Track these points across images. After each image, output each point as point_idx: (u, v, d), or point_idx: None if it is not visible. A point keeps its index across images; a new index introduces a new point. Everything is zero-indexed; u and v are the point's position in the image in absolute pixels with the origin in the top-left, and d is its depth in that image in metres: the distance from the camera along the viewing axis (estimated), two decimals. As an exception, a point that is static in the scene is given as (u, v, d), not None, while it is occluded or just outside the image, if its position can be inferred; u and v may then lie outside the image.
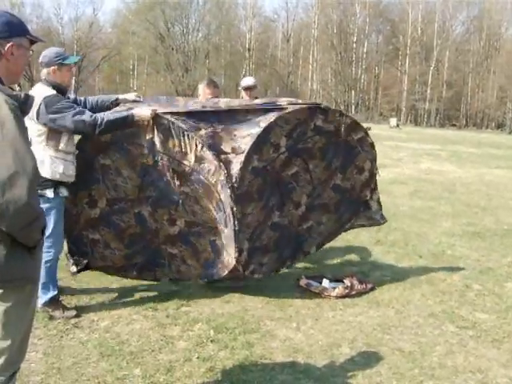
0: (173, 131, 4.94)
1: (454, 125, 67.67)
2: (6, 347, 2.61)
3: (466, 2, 68.07)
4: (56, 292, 4.92)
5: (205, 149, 4.89)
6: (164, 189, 5.16)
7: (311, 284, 5.66)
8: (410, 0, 67.24)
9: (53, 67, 4.69)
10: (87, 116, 4.57)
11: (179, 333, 4.63)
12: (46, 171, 4.52)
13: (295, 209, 5.60)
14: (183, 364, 4.08)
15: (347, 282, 5.62)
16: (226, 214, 4.91)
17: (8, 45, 2.53)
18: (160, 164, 5.08)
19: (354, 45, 69.58)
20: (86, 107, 5.00)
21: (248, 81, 6.81)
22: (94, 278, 5.76)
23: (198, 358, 4.18)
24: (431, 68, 66.70)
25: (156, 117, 4.92)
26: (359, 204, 5.99)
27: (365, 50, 70.23)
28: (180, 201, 5.14)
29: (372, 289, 5.75)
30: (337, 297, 5.50)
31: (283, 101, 5.44)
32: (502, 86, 65.97)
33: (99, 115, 4.64)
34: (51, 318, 4.80)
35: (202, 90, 6.06)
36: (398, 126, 47.99)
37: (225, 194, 4.87)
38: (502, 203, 11.67)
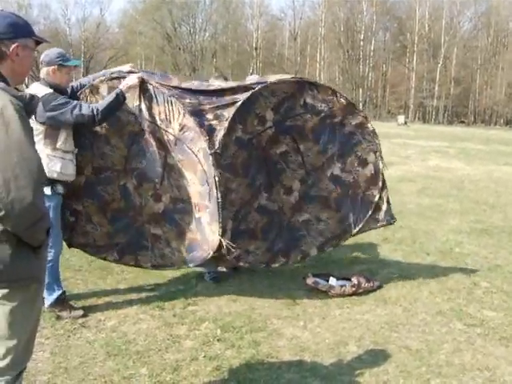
0: (157, 98, 4.90)
1: (462, 122, 67.42)
2: (12, 347, 2.61)
3: (474, -1, 67.76)
4: (61, 291, 4.94)
5: (187, 115, 4.77)
6: (150, 160, 5.07)
7: (318, 282, 5.63)
8: (417, -3, 67.06)
9: (53, 67, 4.71)
10: (85, 109, 4.60)
11: (186, 332, 4.63)
12: None
13: (286, 194, 5.40)
14: (190, 363, 4.08)
15: (354, 280, 5.60)
16: (209, 185, 4.76)
17: (13, 46, 2.54)
18: (147, 133, 5.02)
19: (362, 42, 69.43)
20: (82, 88, 5.08)
21: (253, 79, 6.80)
22: (100, 278, 5.79)
23: (204, 357, 4.18)
24: (439, 65, 66.45)
25: (142, 83, 4.91)
26: (367, 205, 5.63)
27: (372, 48, 70.04)
28: (165, 174, 5.03)
29: (379, 287, 5.72)
30: (344, 295, 5.48)
31: (273, 77, 5.34)
32: (511, 83, 65.66)
33: (94, 106, 4.69)
34: (58, 317, 4.82)
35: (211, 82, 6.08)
36: (405, 123, 47.83)
37: (207, 164, 4.74)
38: (510, 200, 11.59)
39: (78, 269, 5.98)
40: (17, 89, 2.62)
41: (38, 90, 4.63)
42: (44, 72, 4.75)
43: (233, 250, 4.84)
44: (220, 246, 4.77)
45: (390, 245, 7.59)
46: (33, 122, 4.45)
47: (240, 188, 5.05)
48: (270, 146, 5.24)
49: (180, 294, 5.45)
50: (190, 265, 5.22)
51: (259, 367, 4.05)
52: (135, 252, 5.26)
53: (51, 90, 4.65)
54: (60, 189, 4.76)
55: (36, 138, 4.46)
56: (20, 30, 2.59)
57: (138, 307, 5.11)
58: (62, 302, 4.92)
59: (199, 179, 4.86)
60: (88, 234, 5.28)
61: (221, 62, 71.84)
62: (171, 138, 4.92)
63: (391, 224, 5.99)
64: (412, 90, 67.46)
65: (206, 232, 4.92)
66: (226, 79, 6.36)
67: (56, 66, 4.71)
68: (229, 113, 4.91)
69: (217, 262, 5.16)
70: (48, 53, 4.79)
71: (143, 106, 4.95)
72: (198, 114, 4.85)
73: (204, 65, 69.73)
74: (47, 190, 4.60)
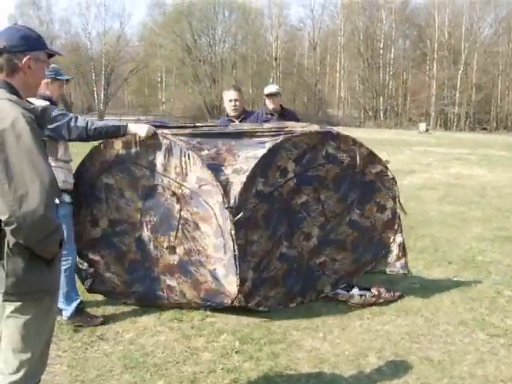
0: (174, 151, 4.92)
1: (484, 128, 66.65)
2: (26, 360, 2.60)
3: (494, 4, 67.02)
4: (79, 300, 4.94)
5: (205, 169, 4.80)
6: (164, 214, 5.06)
7: (338, 292, 5.56)
8: (436, 4, 66.63)
9: (46, 80, 4.75)
10: (80, 121, 4.60)
11: (204, 344, 4.59)
12: None
13: (306, 240, 5.38)
14: (207, 376, 4.04)
15: (374, 290, 5.52)
16: (224, 239, 4.75)
17: (25, 58, 2.55)
18: (161, 187, 5.04)
19: (381, 51, 69.20)
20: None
21: (271, 88, 6.80)
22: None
23: (222, 369, 4.13)
24: (460, 71, 65.80)
25: (155, 136, 4.95)
26: (382, 246, 5.67)
27: (392, 56, 69.75)
28: (180, 226, 4.99)
29: (400, 296, 5.64)
30: (364, 305, 5.40)
31: (294, 125, 5.38)
32: (533, 88, 64.92)
33: (90, 120, 4.73)
34: (76, 330, 4.81)
35: (224, 93, 6.30)
36: (427, 130, 47.55)
37: (223, 217, 4.74)
38: (534, 207, 11.41)
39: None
40: (28, 101, 2.62)
41: (35, 103, 4.66)
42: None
43: (254, 298, 5.05)
44: (237, 298, 4.85)
45: (412, 254, 7.43)
46: None
47: (261, 240, 5.06)
48: (292, 196, 5.24)
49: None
50: (207, 307, 5.21)
51: (278, 380, 3.99)
52: (152, 301, 5.30)
53: (47, 103, 4.68)
54: (66, 197, 4.80)
55: None
56: (32, 42, 2.61)
57: (156, 319, 5.09)
58: (82, 312, 4.94)
59: (214, 232, 4.83)
60: (106, 282, 5.40)
61: (241, 73, 72.06)
62: (187, 191, 4.93)
63: (401, 273, 5.82)
64: (433, 97, 66.92)
65: (220, 284, 4.87)
66: (239, 90, 6.36)
67: (49, 80, 4.81)
68: (248, 165, 4.92)
69: (231, 306, 5.05)
70: None
71: (158, 161, 4.99)
72: (215, 167, 4.90)
73: (224, 76, 70.01)
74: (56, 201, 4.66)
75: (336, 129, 5.67)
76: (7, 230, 2.36)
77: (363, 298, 5.44)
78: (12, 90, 2.51)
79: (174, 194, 4.99)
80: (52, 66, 4.84)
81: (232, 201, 4.75)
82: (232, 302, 4.85)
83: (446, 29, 66.98)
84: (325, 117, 67.23)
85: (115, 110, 72.09)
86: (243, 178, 4.84)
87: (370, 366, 4.22)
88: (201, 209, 4.87)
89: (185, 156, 4.88)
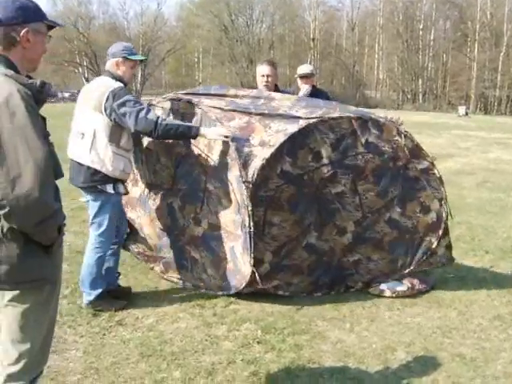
0: (204, 121, 4.84)
1: (526, 112, 64.99)
2: (25, 351, 2.47)
3: (539, -17, 64.97)
4: (104, 288, 4.79)
5: (230, 142, 4.60)
6: (193, 184, 5.01)
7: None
8: (478, -16, 64.90)
9: (117, 59, 4.63)
10: (151, 114, 4.39)
11: (225, 332, 4.42)
12: (107, 168, 4.50)
13: (339, 235, 5.06)
14: (226, 367, 3.88)
15: (407, 282, 5.23)
16: (241, 215, 4.57)
17: (23, 31, 2.37)
18: (192, 157, 4.98)
19: (421, 32, 67.78)
20: None
21: (305, 68, 6.53)
22: (142, 273, 5.66)
23: (242, 360, 3.96)
24: (501, 54, 64.01)
25: (192, 105, 4.98)
26: (422, 250, 5.29)
27: (432, 37, 68.33)
28: (205, 199, 4.93)
29: (433, 287, 5.38)
30: (396, 296, 5.16)
31: (329, 106, 5.15)
32: None
33: (161, 117, 4.48)
34: (95, 314, 4.69)
35: (257, 68, 6.06)
36: (466, 114, 46.44)
37: (240, 192, 4.56)
38: None
39: (120, 262, 5.82)
40: (29, 76, 2.44)
41: (107, 82, 4.56)
42: (109, 64, 4.69)
43: (272, 281, 4.85)
44: (252, 278, 4.63)
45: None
46: (103, 116, 4.45)
47: (285, 224, 4.79)
48: (325, 184, 4.91)
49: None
50: (225, 292, 4.99)
51: (299, 373, 3.80)
52: (177, 269, 5.29)
53: (120, 84, 4.54)
54: (121, 188, 4.70)
55: (103, 134, 4.47)
56: (30, 14, 2.42)
57: (177, 305, 4.94)
58: (103, 297, 4.78)
59: (234, 208, 4.69)
60: (139, 242, 5.52)
61: (278, 53, 71.44)
62: (211, 163, 4.82)
63: (445, 264, 5.58)
64: (473, 80, 65.27)
65: (238, 262, 4.75)
66: (273, 65, 6.09)
67: (120, 59, 4.63)
68: (276, 141, 4.66)
69: (248, 289, 4.87)
70: (115, 45, 4.76)
71: None
72: (240, 138, 4.69)
73: (261, 56, 69.35)
74: (110, 189, 4.57)
75: (373, 111, 5.36)
76: (0, 214, 2.20)
77: (395, 293, 5.16)
78: (9, 64, 2.34)
79: (201, 165, 4.91)
80: (125, 44, 4.75)
81: (250, 175, 4.51)
82: (248, 284, 4.67)
83: (489, 9, 65.09)
84: (363, 98, 66.46)
85: (152, 90, 72.39)
86: (267, 153, 4.58)
87: (397, 362, 4.00)
88: (222, 183, 4.75)
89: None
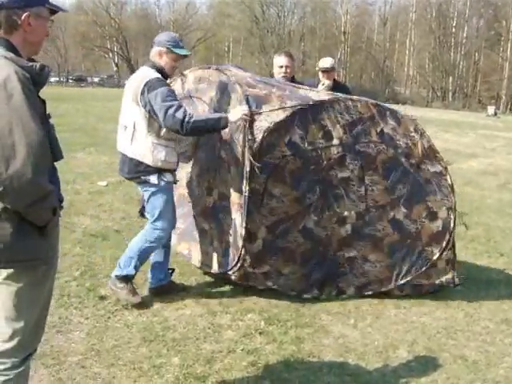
0: (227, 86, 4.75)
1: (558, 115, 63.92)
2: (19, 329, 2.49)
3: None
4: (134, 273, 4.64)
5: (244, 103, 4.46)
6: (208, 153, 4.93)
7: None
8: (514, -18, 63.75)
9: (160, 48, 4.50)
10: (179, 113, 4.20)
11: (228, 322, 4.43)
12: (148, 158, 4.44)
13: (338, 224, 4.79)
14: (226, 355, 3.89)
15: (418, 285, 5.15)
16: (243, 182, 4.40)
17: (24, 15, 2.38)
18: None
19: (454, 29, 66.99)
20: None
21: (326, 62, 6.44)
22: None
23: (242, 350, 3.97)
24: (535, 54, 63.10)
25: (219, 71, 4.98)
26: (422, 261, 4.97)
27: (464, 35, 67.51)
28: (218, 168, 4.79)
29: (442, 287, 5.31)
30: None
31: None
32: None
33: (189, 114, 4.26)
34: (102, 297, 4.72)
35: (275, 58, 5.96)
36: (495, 114, 45.79)
37: (240, 150, 4.42)
38: None
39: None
40: (33, 59, 2.46)
41: (145, 73, 4.48)
42: (152, 52, 4.58)
43: (262, 265, 4.64)
44: (242, 253, 4.51)
45: (462, 242, 7.07)
46: (140, 107, 4.38)
47: (285, 199, 4.58)
48: (332, 166, 4.67)
49: (230, 280, 5.22)
50: (221, 270, 4.83)
51: (298, 366, 3.79)
52: (188, 241, 5.19)
53: (158, 74, 4.43)
54: (169, 177, 4.58)
55: (142, 125, 4.41)
56: None
57: (184, 292, 4.94)
58: (127, 281, 4.61)
59: (239, 174, 4.50)
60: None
61: (308, 46, 71.24)
62: (226, 129, 4.58)
63: (452, 286, 5.14)
64: (505, 80, 64.36)
65: (237, 236, 4.59)
66: (291, 56, 6.04)
67: (164, 49, 4.49)
68: (291, 103, 4.55)
69: (239, 273, 4.69)
70: (162, 34, 4.67)
71: (215, 97, 4.86)
72: (255, 101, 4.53)
73: (291, 48, 69.20)
74: (154, 179, 4.49)
75: (402, 108, 5.23)
76: None
77: (404, 292, 5.10)
78: (9, 47, 2.35)
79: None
80: (173, 35, 4.64)
81: (256, 135, 4.37)
82: (237, 260, 4.52)
83: (524, 8, 64.05)
84: (392, 94, 66.01)
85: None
86: (277, 118, 4.43)
87: (398, 360, 3.97)
88: (233, 148, 4.57)
89: (232, 91, 4.64)
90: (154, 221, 4.58)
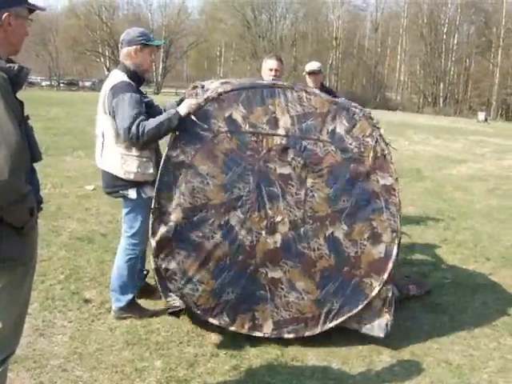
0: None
1: (548, 121, 64.27)
2: None
3: None
4: (135, 293, 4.53)
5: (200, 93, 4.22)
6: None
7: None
8: (505, -12, 64.19)
9: (135, 47, 4.22)
10: (135, 126, 3.96)
11: (213, 326, 4.39)
12: (118, 171, 4.17)
13: (268, 232, 4.07)
14: (209, 359, 3.88)
15: (404, 290, 5.11)
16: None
17: (4, 15, 2.38)
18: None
19: (445, 35, 67.27)
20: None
21: (313, 65, 6.46)
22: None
23: (225, 354, 3.96)
24: (526, 61, 63.42)
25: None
26: (358, 296, 4.14)
27: (455, 41, 67.77)
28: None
29: (428, 292, 5.32)
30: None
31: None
32: None
33: (142, 124, 3.98)
34: (86, 301, 4.70)
35: (264, 62, 5.72)
36: (486, 120, 45.98)
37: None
38: None
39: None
40: (11, 60, 2.45)
41: (113, 78, 4.22)
42: (124, 53, 4.28)
43: (164, 253, 4.05)
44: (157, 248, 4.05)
45: (449, 246, 7.12)
46: (108, 116, 4.16)
47: (211, 181, 4.01)
48: (272, 158, 4.07)
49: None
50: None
51: (281, 370, 3.78)
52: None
53: (126, 79, 4.18)
54: (149, 191, 4.21)
55: (110, 134, 4.15)
56: None
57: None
58: (133, 305, 4.50)
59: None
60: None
61: (300, 51, 71.33)
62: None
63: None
64: (495, 86, 64.74)
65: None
66: (280, 60, 6.00)
67: (139, 46, 4.22)
68: (241, 83, 4.25)
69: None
70: (129, 31, 4.34)
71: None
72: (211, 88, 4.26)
73: (283, 53, 69.32)
74: (132, 193, 4.22)
75: (394, 114, 4.73)
76: None
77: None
78: None
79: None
80: (141, 30, 4.38)
81: (199, 98, 4.10)
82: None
83: (514, 15, 64.44)
84: (383, 100, 66.23)
85: (173, 82, 72.62)
86: (221, 88, 4.10)
87: (382, 365, 3.97)
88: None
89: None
90: (132, 235, 4.37)
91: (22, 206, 2.31)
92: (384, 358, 4.06)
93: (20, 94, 2.45)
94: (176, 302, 4.14)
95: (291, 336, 4.13)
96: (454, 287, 5.55)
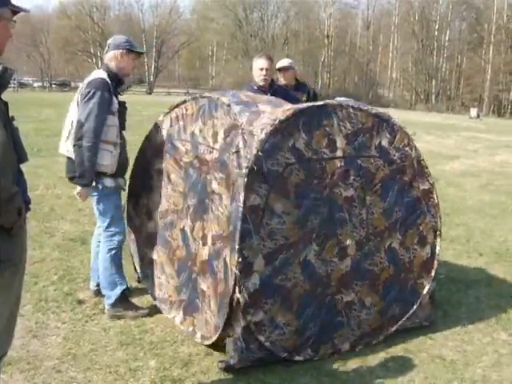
0: (207, 109, 4.16)
1: (540, 117, 64.51)
2: None
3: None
4: (124, 286, 4.58)
5: (230, 111, 3.90)
6: (200, 192, 4.12)
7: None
8: (496, -15, 64.39)
9: (121, 51, 4.51)
10: (87, 127, 4.20)
11: (206, 324, 4.40)
12: None
13: (339, 258, 3.96)
14: (203, 358, 3.87)
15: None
16: (236, 202, 3.61)
17: None
18: (200, 158, 4.16)
19: (436, 32, 67.53)
20: None
21: (282, 62, 6.48)
22: (130, 264, 5.63)
23: (219, 352, 3.94)
24: (517, 57, 63.63)
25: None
26: (414, 298, 4.37)
27: (447, 38, 68.07)
28: (209, 206, 3.98)
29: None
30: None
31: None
32: None
33: (92, 141, 4.19)
34: (80, 302, 4.69)
35: (254, 61, 5.73)
36: (478, 116, 46.11)
37: (236, 161, 3.69)
38: None
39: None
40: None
41: (95, 74, 4.46)
42: (110, 56, 4.54)
43: (254, 309, 3.66)
44: (235, 289, 3.59)
45: (442, 242, 7.01)
46: (78, 108, 4.35)
47: (287, 218, 3.73)
48: (335, 183, 3.91)
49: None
50: (217, 334, 3.78)
51: (274, 368, 3.77)
52: (192, 314, 4.14)
53: (105, 78, 4.38)
54: (108, 182, 4.42)
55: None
56: None
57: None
58: (126, 301, 4.57)
59: (230, 196, 3.80)
60: (163, 287, 4.57)
61: (292, 50, 71.38)
62: (216, 155, 3.99)
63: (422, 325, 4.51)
64: (487, 82, 64.94)
65: (228, 276, 3.69)
66: (270, 59, 6.01)
67: (124, 51, 4.52)
68: (292, 108, 3.93)
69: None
70: (116, 37, 4.68)
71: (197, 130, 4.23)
72: (244, 104, 4.04)
73: (275, 52, 69.39)
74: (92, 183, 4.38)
75: (386, 111, 4.69)
76: None
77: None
78: None
79: (206, 162, 4.08)
80: (126, 37, 4.67)
81: (256, 133, 3.67)
82: (229, 302, 3.60)
83: (505, 12, 64.60)
84: (375, 97, 66.34)
85: (166, 82, 72.59)
86: (281, 115, 3.76)
87: (376, 360, 3.97)
88: (224, 168, 3.86)
89: (216, 110, 4.06)
90: (108, 227, 4.51)
91: (10, 207, 2.30)
92: (378, 353, 4.06)
93: (12, 96, 2.45)
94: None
95: (360, 347, 4.12)
96: (448, 283, 5.56)
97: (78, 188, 4.38)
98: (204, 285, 3.98)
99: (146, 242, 4.75)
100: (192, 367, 3.74)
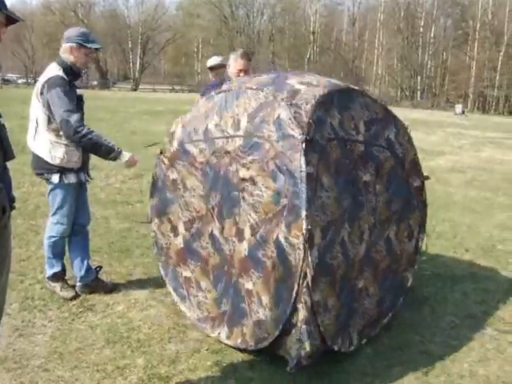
0: (224, 103, 4.04)
1: (524, 113, 65.01)
2: None
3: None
4: (59, 269, 4.81)
5: (258, 92, 3.79)
6: (224, 186, 3.89)
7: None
8: (481, -18, 64.78)
9: (71, 44, 4.47)
10: (74, 120, 4.27)
11: (194, 322, 4.38)
12: (46, 155, 4.45)
13: (359, 241, 3.83)
14: (190, 356, 3.85)
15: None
16: (285, 177, 3.44)
17: None
18: (217, 152, 3.96)
19: (421, 29, 67.83)
20: None
21: (212, 61, 6.48)
22: (117, 261, 5.64)
23: (207, 349, 3.94)
24: (501, 53, 64.04)
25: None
26: (401, 288, 4.40)
27: (432, 35, 68.41)
28: (241, 195, 3.74)
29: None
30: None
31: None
32: None
33: (87, 129, 4.33)
34: (66, 300, 4.66)
35: (234, 60, 5.45)
36: (463, 112, 46.42)
37: (284, 141, 3.51)
38: None
39: (96, 250, 5.78)
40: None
41: (50, 71, 4.47)
42: (62, 48, 4.52)
43: (315, 285, 3.40)
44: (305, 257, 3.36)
45: (428, 238, 7.05)
46: (40, 104, 4.38)
47: (331, 194, 3.57)
48: (359, 166, 3.85)
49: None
50: (278, 330, 3.53)
51: (263, 365, 3.76)
52: (239, 324, 3.83)
53: (61, 73, 4.41)
54: (71, 177, 4.54)
55: (43, 122, 4.39)
56: None
57: (149, 292, 4.91)
58: (58, 279, 4.80)
59: (271, 176, 3.59)
60: (202, 305, 4.21)
61: (277, 46, 71.46)
62: (239, 142, 3.82)
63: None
64: (472, 78, 65.37)
65: (285, 257, 3.47)
66: (249, 59, 5.85)
67: (75, 45, 4.46)
68: (324, 82, 3.96)
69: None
70: (70, 30, 4.62)
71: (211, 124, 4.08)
72: (274, 82, 3.96)
73: (261, 48, 69.47)
74: (55, 178, 4.48)
75: None
76: None
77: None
78: None
79: (229, 152, 3.86)
80: (82, 30, 4.61)
81: (302, 105, 3.58)
82: (298, 287, 3.36)
83: (490, 9, 65.12)
84: (361, 94, 66.44)
85: (151, 78, 72.33)
86: (319, 90, 3.73)
87: (364, 357, 3.96)
88: (254, 150, 3.67)
89: (237, 98, 3.93)
90: (53, 215, 4.66)
91: None
92: (365, 350, 4.04)
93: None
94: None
95: (364, 341, 3.98)
96: (434, 278, 5.58)
97: (124, 160, 4.51)
98: (248, 284, 3.69)
99: (178, 260, 4.37)
100: (180, 364, 3.72)
